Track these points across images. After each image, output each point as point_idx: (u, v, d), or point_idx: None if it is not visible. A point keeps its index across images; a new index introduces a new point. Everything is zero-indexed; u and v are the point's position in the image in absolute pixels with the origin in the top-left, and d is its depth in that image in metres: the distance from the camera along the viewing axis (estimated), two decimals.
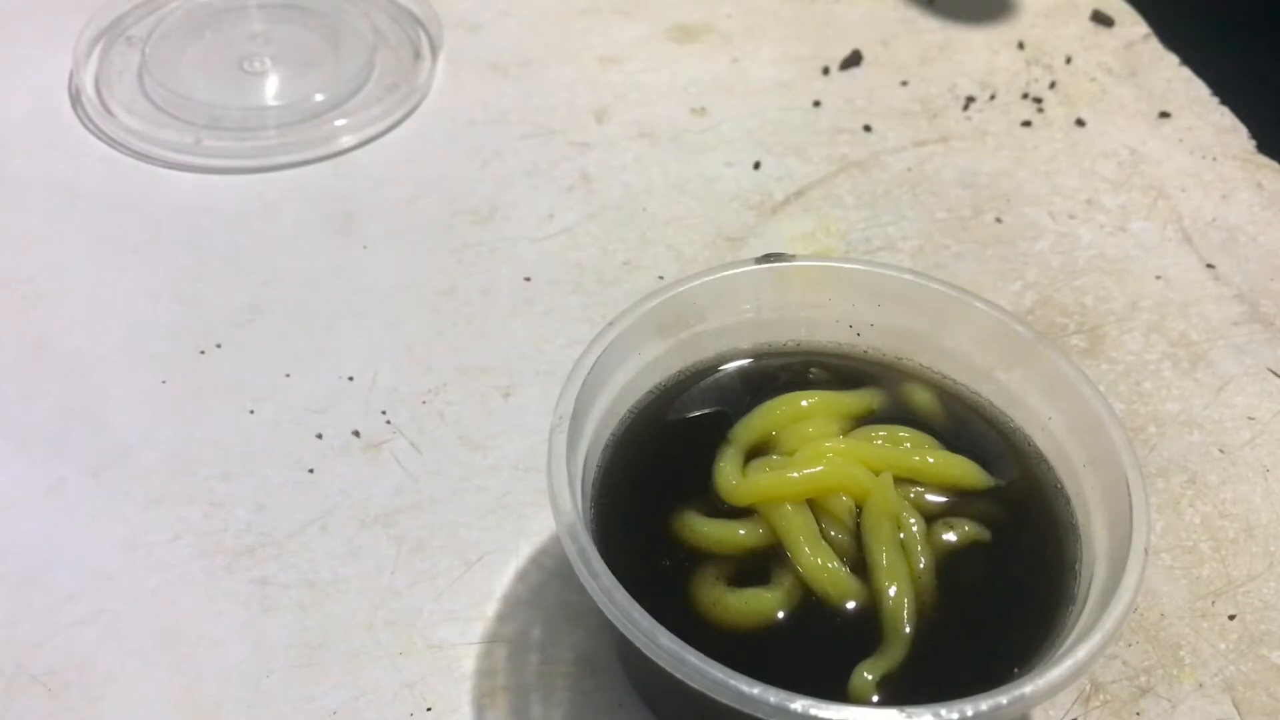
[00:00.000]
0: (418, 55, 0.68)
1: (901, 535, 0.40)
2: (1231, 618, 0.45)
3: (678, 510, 0.41)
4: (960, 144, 0.65)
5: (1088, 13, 0.74)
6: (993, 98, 0.68)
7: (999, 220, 0.61)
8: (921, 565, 0.39)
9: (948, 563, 0.40)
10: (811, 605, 0.39)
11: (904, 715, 0.33)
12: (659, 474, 0.43)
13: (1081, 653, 0.35)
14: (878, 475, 0.41)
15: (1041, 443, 0.43)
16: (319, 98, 0.65)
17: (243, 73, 0.67)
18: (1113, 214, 0.61)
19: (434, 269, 0.57)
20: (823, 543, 0.40)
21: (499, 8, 0.73)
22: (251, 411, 0.51)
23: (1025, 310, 0.56)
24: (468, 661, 0.43)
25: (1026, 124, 0.66)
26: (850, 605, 0.39)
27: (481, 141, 0.64)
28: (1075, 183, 0.63)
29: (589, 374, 0.41)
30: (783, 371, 0.46)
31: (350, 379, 0.52)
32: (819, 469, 0.41)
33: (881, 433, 0.43)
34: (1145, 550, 0.37)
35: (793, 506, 0.40)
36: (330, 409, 0.51)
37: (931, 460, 0.42)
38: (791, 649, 0.38)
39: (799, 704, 0.33)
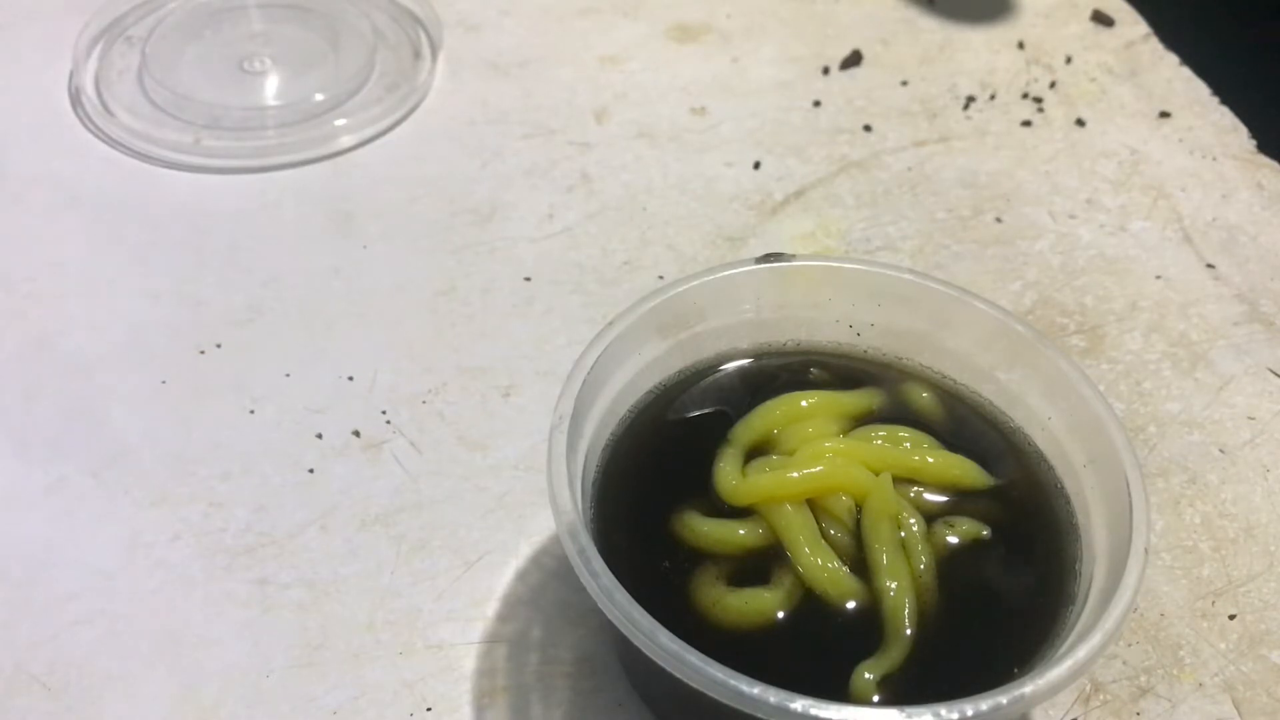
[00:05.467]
0: (418, 55, 0.68)
1: (901, 535, 0.40)
2: (1232, 618, 0.45)
3: (678, 510, 0.41)
4: (960, 144, 0.65)
5: (1088, 13, 0.74)
6: (993, 98, 0.68)
7: (999, 220, 0.61)
8: (921, 565, 0.39)
9: (948, 563, 0.40)
10: (811, 605, 0.39)
11: (904, 715, 0.33)
12: (659, 474, 0.43)
13: (1081, 653, 0.35)
14: (878, 475, 0.41)
15: (1041, 443, 0.43)
16: (319, 98, 0.65)
17: (242, 73, 0.67)
18: (1113, 214, 0.61)
19: (434, 269, 0.57)
20: (823, 543, 0.40)
21: (499, 7, 0.73)
22: (251, 411, 0.51)
23: (1025, 310, 0.56)
24: (468, 661, 0.43)
25: (1026, 124, 0.66)
26: (850, 605, 0.39)
27: (481, 141, 0.64)
28: (1075, 183, 0.63)
29: (589, 374, 0.41)
30: (783, 371, 0.46)
31: (350, 379, 0.52)
32: (819, 469, 0.41)
33: (881, 433, 0.43)
34: (1145, 550, 0.37)
35: (793, 506, 0.40)
36: (330, 409, 0.51)
37: (931, 460, 0.42)
38: (791, 649, 0.38)
39: (799, 704, 0.33)
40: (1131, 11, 0.74)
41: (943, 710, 0.33)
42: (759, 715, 0.34)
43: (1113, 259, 0.59)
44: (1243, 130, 0.66)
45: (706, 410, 0.45)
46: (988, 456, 0.43)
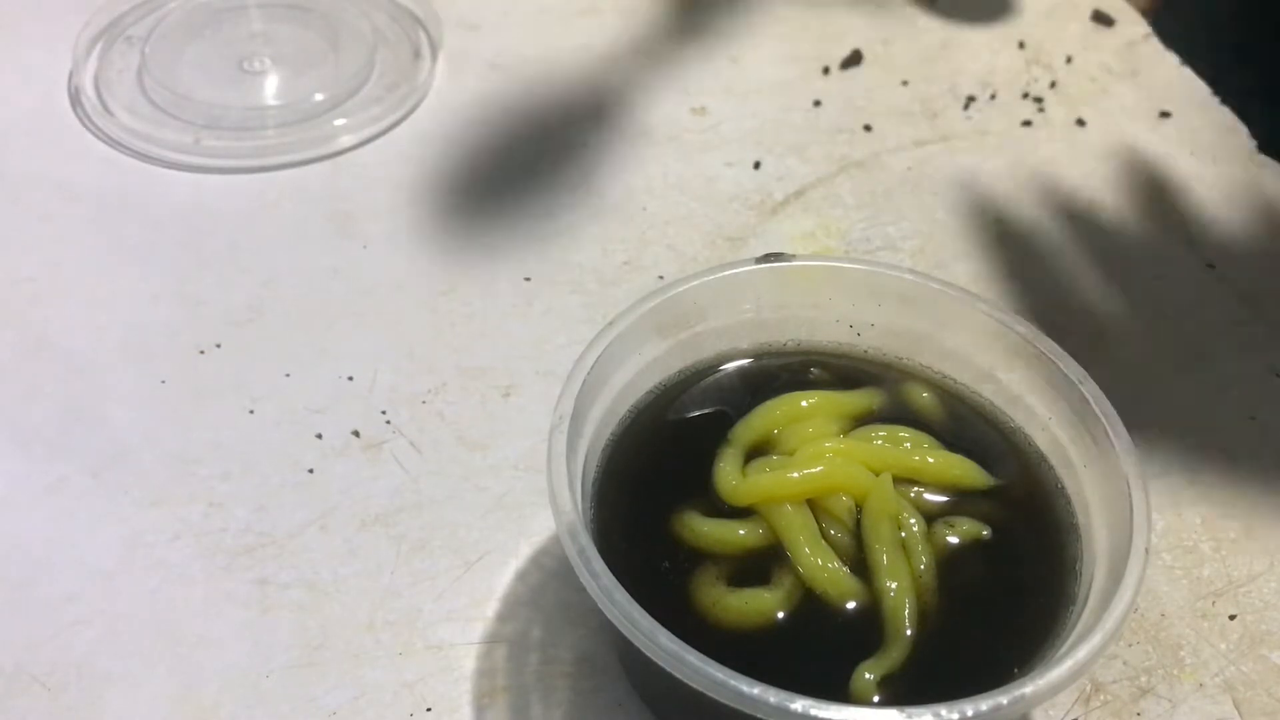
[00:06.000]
0: (417, 55, 0.68)
1: (902, 535, 0.40)
2: (1232, 618, 0.45)
3: (678, 510, 0.41)
4: (961, 144, 0.65)
5: (1088, 12, 0.74)
6: (993, 97, 0.68)
7: (999, 220, 0.61)
8: (922, 565, 0.39)
9: (948, 563, 0.40)
10: (812, 605, 0.39)
11: (904, 715, 0.33)
12: (659, 474, 0.43)
13: (1082, 653, 0.35)
14: (878, 475, 0.41)
15: (1041, 443, 0.43)
16: (319, 97, 0.65)
17: (242, 72, 0.67)
18: (1113, 213, 0.61)
19: (434, 269, 0.57)
20: (823, 543, 0.40)
21: (499, 7, 0.73)
22: (251, 411, 0.51)
23: (1026, 310, 0.56)
24: (468, 662, 0.43)
25: (1027, 124, 0.66)
26: (850, 605, 0.39)
27: (481, 141, 0.64)
28: (1076, 182, 0.63)
29: (589, 374, 0.41)
30: (783, 371, 0.46)
31: (350, 379, 0.52)
32: (819, 469, 0.41)
33: (881, 433, 0.43)
34: (1146, 550, 0.37)
35: (793, 506, 0.40)
36: (330, 409, 0.51)
37: (931, 460, 0.42)
38: (792, 649, 0.38)
39: (799, 704, 0.33)
40: (1132, 11, 0.74)
41: (943, 710, 0.33)
42: (759, 715, 0.33)
43: (1113, 259, 0.59)
44: (1243, 130, 0.66)
45: (706, 410, 0.45)
46: (988, 456, 0.43)
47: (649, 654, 0.35)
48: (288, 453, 0.49)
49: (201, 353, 0.53)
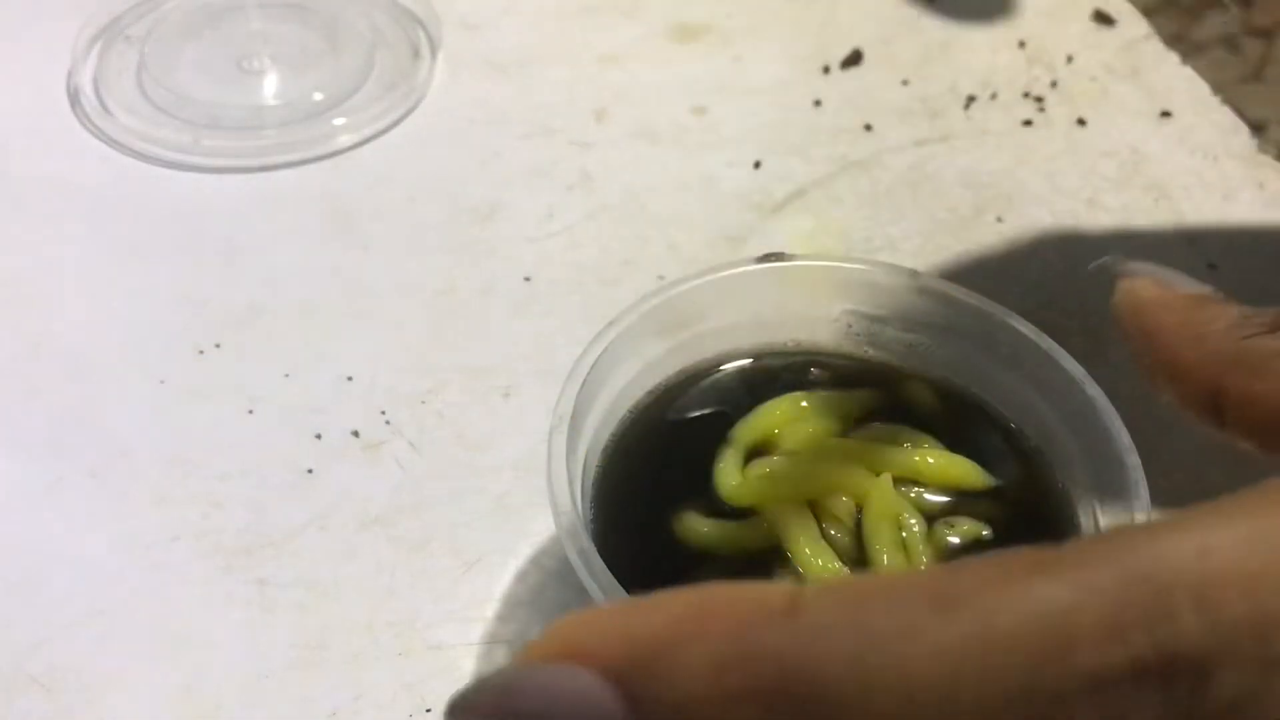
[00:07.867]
0: (417, 54, 0.68)
1: (902, 535, 0.40)
2: None
3: (678, 511, 0.41)
4: (961, 143, 0.65)
5: (1089, 12, 0.74)
6: (994, 97, 0.68)
7: (1000, 220, 0.61)
8: (922, 566, 0.39)
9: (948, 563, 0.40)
10: None
11: None
12: (659, 475, 0.42)
13: None
14: (878, 475, 0.41)
15: (1041, 443, 0.43)
16: (318, 97, 0.64)
17: (241, 72, 0.67)
18: (1114, 214, 0.61)
19: (434, 269, 0.57)
20: (823, 543, 0.40)
21: (498, 7, 0.73)
22: (250, 411, 0.51)
23: (1027, 311, 0.56)
24: (468, 662, 0.43)
25: (1028, 123, 0.66)
26: None
27: (481, 141, 0.64)
28: (1076, 182, 0.63)
29: (589, 374, 0.41)
30: (783, 371, 0.46)
31: (350, 379, 0.52)
32: (819, 469, 0.41)
33: (881, 433, 0.43)
34: None
35: (793, 507, 0.40)
36: (329, 409, 0.51)
37: (931, 460, 0.42)
38: None
39: None
40: (1133, 11, 0.74)
41: None
42: None
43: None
44: (1244, 130, 0.66)
45: (707, 410, 0.44)
46: (988, 456, 0.43)
47: None
48: (287, 453, 0.49)
49: (201, 353, 0.53)
